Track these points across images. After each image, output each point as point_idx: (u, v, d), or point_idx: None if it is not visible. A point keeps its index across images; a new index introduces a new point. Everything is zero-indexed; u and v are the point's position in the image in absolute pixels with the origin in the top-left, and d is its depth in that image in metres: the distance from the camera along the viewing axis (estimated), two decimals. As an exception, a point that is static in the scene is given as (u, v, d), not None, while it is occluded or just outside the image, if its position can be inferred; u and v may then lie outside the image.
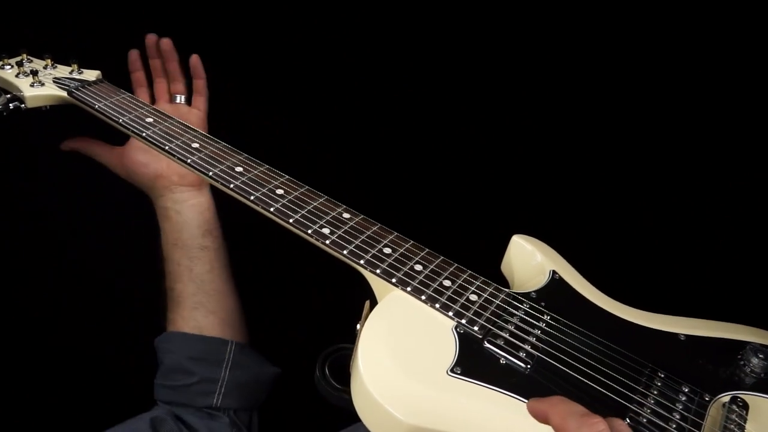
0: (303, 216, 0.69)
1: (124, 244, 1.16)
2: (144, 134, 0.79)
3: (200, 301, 0.88)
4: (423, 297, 0.62)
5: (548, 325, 0.62)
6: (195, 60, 0.96)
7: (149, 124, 0.80)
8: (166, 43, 0.95)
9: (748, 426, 0.55)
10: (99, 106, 0.83)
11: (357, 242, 0.67)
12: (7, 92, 0.88)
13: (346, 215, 0.70)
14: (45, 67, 0.91)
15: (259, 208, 0.71)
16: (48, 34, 1.01)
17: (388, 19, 1.06)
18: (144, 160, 0.91)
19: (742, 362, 0.60)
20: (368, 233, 0.68)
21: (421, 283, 0.63)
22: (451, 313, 0.61)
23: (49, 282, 1.20)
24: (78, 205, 1.16)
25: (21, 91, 0.86)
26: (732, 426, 0.54)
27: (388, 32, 1.07)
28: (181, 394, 0.84)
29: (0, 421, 1.14)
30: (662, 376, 0.59)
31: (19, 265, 1.17)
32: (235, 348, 0.88)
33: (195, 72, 0.97)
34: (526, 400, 0.54)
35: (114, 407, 0.83)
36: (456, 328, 0.60)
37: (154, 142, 0.78)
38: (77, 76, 0.91)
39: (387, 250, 0.67)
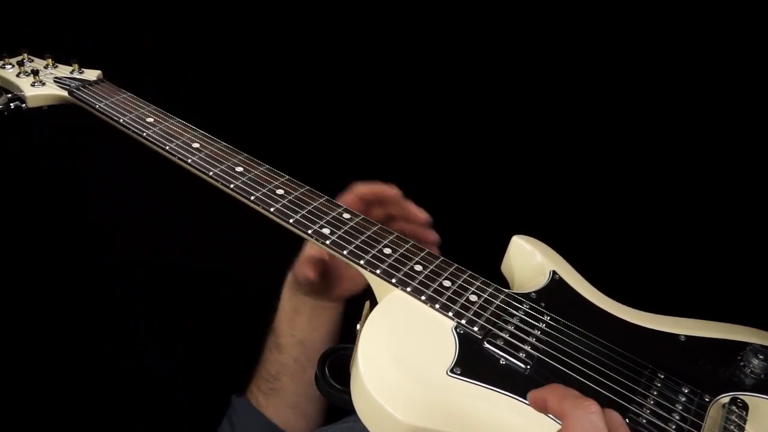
0: (303, 216, 0.69)
1: (123, 243, 1.16)
2: (144, 134, 0.79)
3: (299, 403, 0.85)
4: (423, 297, 0.62)
5: (548, 325, 0.62)
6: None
7: (150, 123, 0.80)
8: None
9: (747, 427, 0.55)
10: (100, 106, 0.83)
11: (357, 242, 0.67)
12: (8, 92, 0.88)
13: (346, 215, 0.70)
14: (46, 67, 0.91)
15: (259, 209, 0.71)
16: (48, 34, 1.01)
17: (388, 19, 1.06)
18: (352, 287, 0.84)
19: (742, 363, 0.60)
20: (368, 233, 0.68)
21: (421, 283, 0.63)
22: (450, 314, 0.61)
23: (49, 282, 1.20)
24: (78, 205, 1.16)
25: (22, 91, 0.87)
26: (732, 427, 0.54)
27: (388, 32, 1.07)
28: None
29: (0, 421, 1.14)
30: (662, 376, 0.59)
31: (19, 265, 1.17)
32: None
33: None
34: (525, 401, 0.54)
35: (113, 406, 0.83)
36: (456, 328, 0.60)
37: (155, 142, 0.78)
38: (78, 76, 0.91)
39: (387, 251, 0.67)
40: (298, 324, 0.85)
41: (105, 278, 1.19)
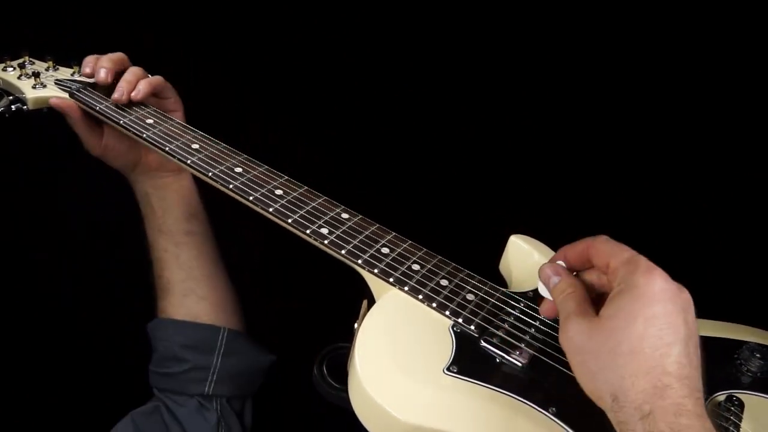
0: (302, 216, 0.70)
1: (123, 243, 1.17)
2: (144, 135, 0.79)
3: (190, 288, 0.87)
4: (420, 296, 0.63)
5: (543, 323, 0.62)
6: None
7: (150, 125, 0.81)
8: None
9: (743, 425, 0.55)
10: (100, 108, 0.83)
11: (355, 242, 0.67)
12: (9, 94, 0.88)
13: (344, 215, 0.71)
14: (47, 69, 0.91)
15: (258, 209, 0.71)
16: (49, 36, 1.02)
17: (388, 20, 1.06)
18: (121, 147, 0.87)
19: (738, 361, 0.60)
20: (366, 233, 0.69)
21: (418, 282, 0.64)
22: (447, 312, 0.61)
23: (48, 281, 1.20)
24: (77, 205, 1.17)
25: (23, 93, 0.87)
26: (727, 425, 0.55)
27: (388, 32, 1.07)
28: (174, 381, 0.85)
29: (0, 421, 1.14)
30: (658, 374, 0.59)
31: (19, 264, 1.17)
32: (228, 335, 0.87)
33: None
34: (522, 398, 0.55)
35: (113, 404, 0.84)
36: (453, 327, 0.61)
37: (155, 143, 0.78)
38: (79, 78, 0.91)
39: (385, 250, 0.67)
40: (149, 214, 0.89)
41: (105, 278, 1.20)
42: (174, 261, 0.88)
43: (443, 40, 1.06)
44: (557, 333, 0.60)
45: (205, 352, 0.85)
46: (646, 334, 0.45)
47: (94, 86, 0.88)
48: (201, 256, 0.89)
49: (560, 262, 0.55)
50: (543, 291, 0.56)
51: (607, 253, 0.51)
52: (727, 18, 0.91)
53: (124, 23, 1.04)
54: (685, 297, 0.48)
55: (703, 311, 0.66)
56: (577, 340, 0.48)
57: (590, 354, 0.47)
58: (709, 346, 0.63)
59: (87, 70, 0.86)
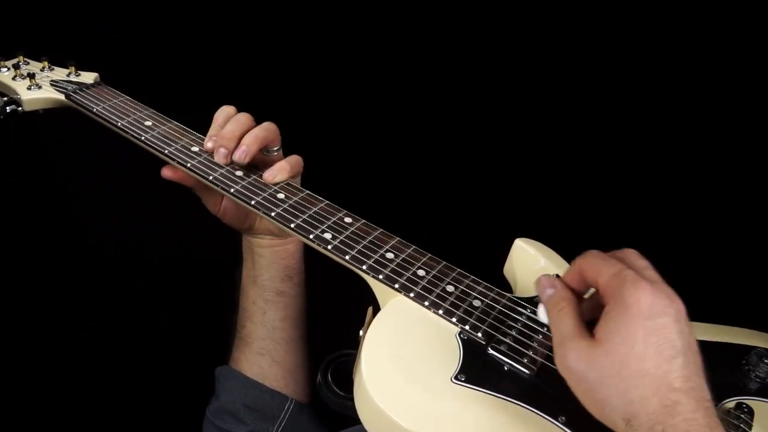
0: (304, 221, 0.69)
1: (123, 241, 1.16)
2: (143, 138, 0.78)
3: (267, 348, 0.85)
4: (426, 303, 0.62)
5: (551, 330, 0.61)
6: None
7: (148, 127, 0.80)
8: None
9: (753, 432, 0.55)
10: (97, 110, 0.82)
11: (359, 247, 0.66)
12: (3, 95, 0.87)
13: (347, 220, 0.70)
14: (42, 70, 0.90)
15: (260, 213, 0.70)
16: (45, 36, 1.00)
17: (390, 21, 1.06)
18: (238, 213, 0.83)
19: (747, 367, 0.60)
20: (370, 238, 0.68)
21: (423, 288, 0.63)
22: (454, 319, 0.61)
23: (47, 281, 1.19)
24: (76, 205, 1.16)
25: (18, 94, 0.85)
26: (737, 432, 0.54)
27: (389, 35, 1.06)
28: None
29: (0, 420, 1.13)
30: (667, 381, 0.58)
31: (19, 264, 1.16)
32: (294, 408, 0.85)
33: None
34: (530, 407, 0.54)
35: (113, 404, 0.83)
36: (459, 334, 0.60)
37: (153, 145, 0.77)
38: (75, 79, 0.89)
39: (389, 255, 0.66)
40: (248, 263, 0.86)
41: (104, 277, 1.19)
42: (260, 316, 0.85)
43: (445, 42, 1.05)
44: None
45: (266, 420, 0.83)
46: (647, 353, 0.45)
47: (90, 87, 0.87)
48: (286, 319, 0.86)
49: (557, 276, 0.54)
50: (541, 315, 0.53)
51: (596, 269, 0.50)
52: (727, 18, 0.91)
53: (122, 24, 1.03)
54: (677, 306, 0.46)
55: (710, 315, 0.66)
56: (578, 369, 0.47)
57: (594, 382, 0.46)
58: (716, 352, 0.62)
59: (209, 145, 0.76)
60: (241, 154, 0.73)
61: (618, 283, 0.47)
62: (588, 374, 0.46)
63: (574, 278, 0.53)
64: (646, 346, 0.44)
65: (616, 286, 0.47)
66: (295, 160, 0.78)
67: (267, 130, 0.76)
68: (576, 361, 0.47)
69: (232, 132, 0.75)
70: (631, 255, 0.51)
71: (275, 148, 0.79)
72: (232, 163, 0.75)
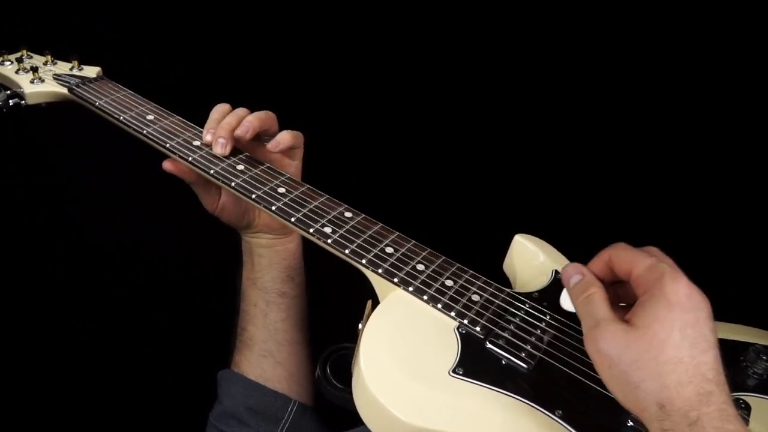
0: (304, 215, 0.69)
1: (123, 243, 1.16)
2: (144, 131, 0.78)
3: (270, 350, 0.84)
4: (425, 297, 0.62)
5: (549, 325, 0.62)
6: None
7: (150, 121, 0.80)
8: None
9: (750, 428, 0.55)
10: (100, 104, 0.82)
11: (359, 241, 0.67)
12: (6, 88, 0.87)
13: (347, 214, 0.70)
14: (45, 63, 0.90)
15: (261, 207, 0.71)
16: (48, 30, 1.00)
17: (390, 20, 1.06)
18: (237, 210, 0.83)
19: (744, 364, 0.60)
20: (370, 232, 0.68)
21: (423, 283, 0.63)
22: (453, 314, 0.61)
23: (46, 281, 1.19)
24: (76, 204, 1.16)
25: (21, 88, 0.86)
26: (734, 428, 0.54)
27: (390, 32, 1.07)
28: None
29: (0, 420, 1.14)
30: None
31: (19, 266, 1.16)
32: (297, 410, 0.84)
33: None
34: (527, 401, 0.54)
35: (114, 407, 0.83)
36: (458, 328, 0.60)
37: (155, 139, 0.78)
38: (77, 73, 0.90)
39: (389, 250, 0.66)
40: (248, 266, 0.86)
41: (104, 279, 1.19)
42: (261, 318, 0.84)
43: (445, 40, 1.05)
44: (563, 335, 0.61)
45: (269, 422, 0.82)
46: (683, 344, 0.46)
47: (92, 81, 0.87)
48: (288, 320, 0.85)
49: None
50: (565, 302, 0.55)
51: (629, 260, 0.51)
52: (728, 18, 0.91)
53: (124, 18, 1.03)
54: (708, 303, 0.48)
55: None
56: (613, 351, 0.47)
57: (629, 365, 0.47)
58: (714, 348, 0.63)
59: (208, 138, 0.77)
60: (244, 130, 0.74)
61: (656, 275, 0.48)
62: (623, 357, 0.47)
63: (601, 268, 0.54)
64: (683, 337, 0.46)
65: (653, 278, 0.48)
66: (295, 132, 0.79)
67: (266, 113, 0.78)
68: (611, 344, 0.48)
69: (230, 124, 0.76)
70: (658, 251, 0.52)
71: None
72: (232, 157, 0.76)
